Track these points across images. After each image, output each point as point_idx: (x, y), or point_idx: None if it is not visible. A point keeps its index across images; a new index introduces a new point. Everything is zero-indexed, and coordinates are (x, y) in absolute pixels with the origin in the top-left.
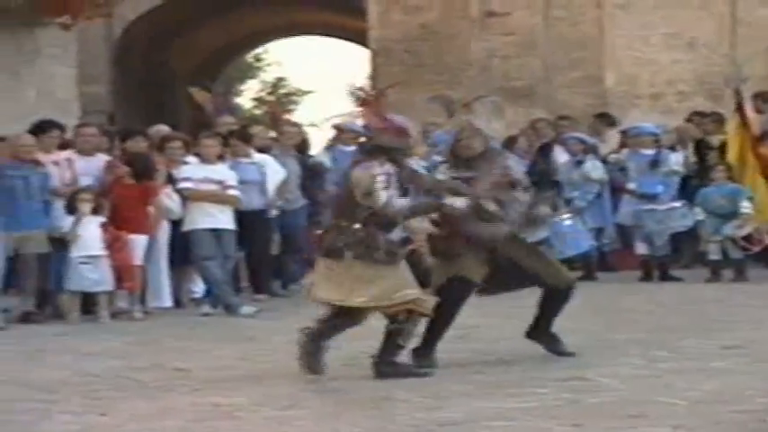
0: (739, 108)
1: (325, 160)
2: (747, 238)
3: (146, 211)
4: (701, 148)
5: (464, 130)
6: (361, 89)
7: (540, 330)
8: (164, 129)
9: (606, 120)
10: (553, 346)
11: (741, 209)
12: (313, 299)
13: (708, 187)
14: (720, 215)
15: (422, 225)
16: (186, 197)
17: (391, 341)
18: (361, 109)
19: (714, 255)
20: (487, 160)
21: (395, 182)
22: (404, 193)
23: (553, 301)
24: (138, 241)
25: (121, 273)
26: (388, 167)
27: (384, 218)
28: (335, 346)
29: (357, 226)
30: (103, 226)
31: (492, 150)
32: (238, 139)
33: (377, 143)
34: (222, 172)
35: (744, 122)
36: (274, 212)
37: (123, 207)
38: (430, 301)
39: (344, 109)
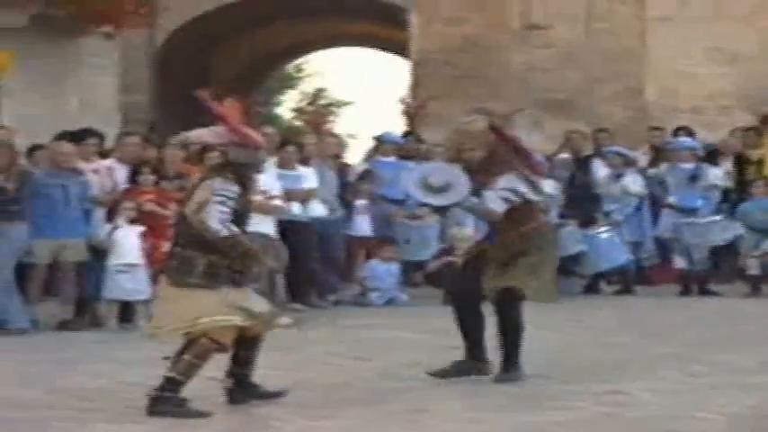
0: None
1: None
2: None
3: None
4: (740, 162)
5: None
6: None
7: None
8: None
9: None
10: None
11: None
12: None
13: (747, 202)
14: (760, 230)
15: (465, 233)
16: None
17: (168, 375)
18: (222, 122)
19: (753, 270)
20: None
21: (231, 203)
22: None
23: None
24: None
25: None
26: (229, 185)
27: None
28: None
29: (177, 249)
30: (143, 235)
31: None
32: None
33: (227, 158)
34: (265, 182)
35: None
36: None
37: None
38: (227, 331)
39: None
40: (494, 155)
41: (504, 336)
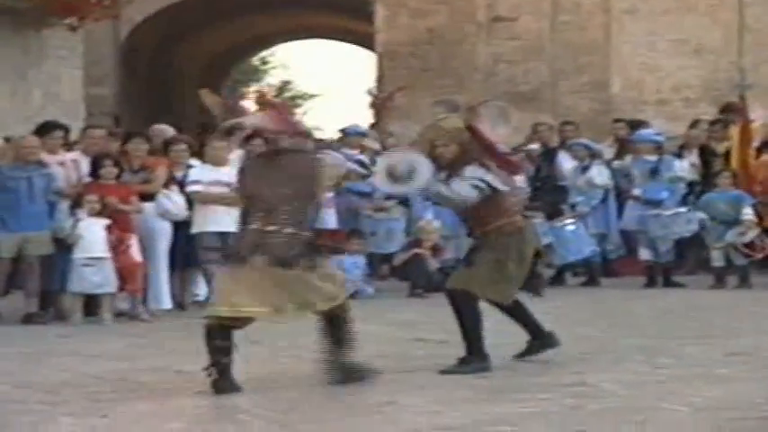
0: (742, 115)
1: None
2: (750, 244)
3: None
4: (705, 154)
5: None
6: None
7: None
8: (167, 129)
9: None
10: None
11: (744, 215)
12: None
13: (711, 193)
14: (724, 221)
15: (432, 226)
16: (195, 200)
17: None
18: (267, 111)
19: (718, 261)
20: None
21: None
22: None
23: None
24: None
25: (124, 275)
26: None
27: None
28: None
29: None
30: (108, 228)
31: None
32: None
33: (282, 146)
34: (231, 174)
35: (745, 129)
36: None
37: None
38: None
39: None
40: (466, 152)
41: (463, 328)
